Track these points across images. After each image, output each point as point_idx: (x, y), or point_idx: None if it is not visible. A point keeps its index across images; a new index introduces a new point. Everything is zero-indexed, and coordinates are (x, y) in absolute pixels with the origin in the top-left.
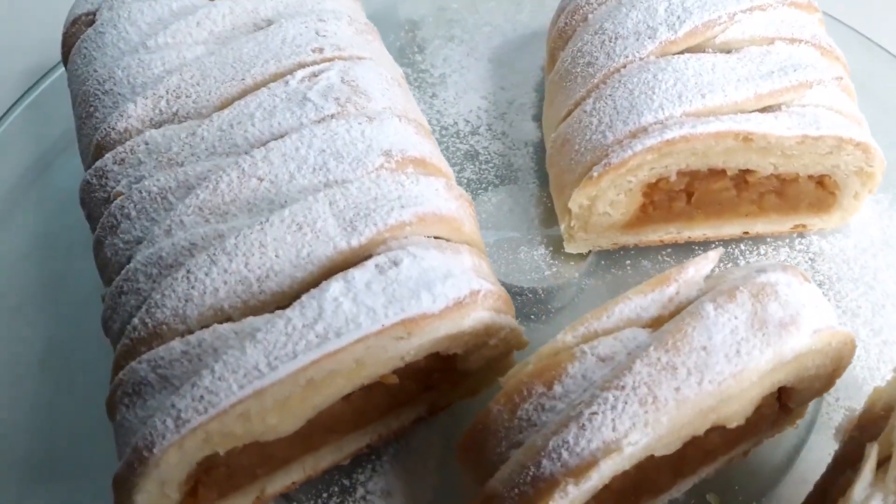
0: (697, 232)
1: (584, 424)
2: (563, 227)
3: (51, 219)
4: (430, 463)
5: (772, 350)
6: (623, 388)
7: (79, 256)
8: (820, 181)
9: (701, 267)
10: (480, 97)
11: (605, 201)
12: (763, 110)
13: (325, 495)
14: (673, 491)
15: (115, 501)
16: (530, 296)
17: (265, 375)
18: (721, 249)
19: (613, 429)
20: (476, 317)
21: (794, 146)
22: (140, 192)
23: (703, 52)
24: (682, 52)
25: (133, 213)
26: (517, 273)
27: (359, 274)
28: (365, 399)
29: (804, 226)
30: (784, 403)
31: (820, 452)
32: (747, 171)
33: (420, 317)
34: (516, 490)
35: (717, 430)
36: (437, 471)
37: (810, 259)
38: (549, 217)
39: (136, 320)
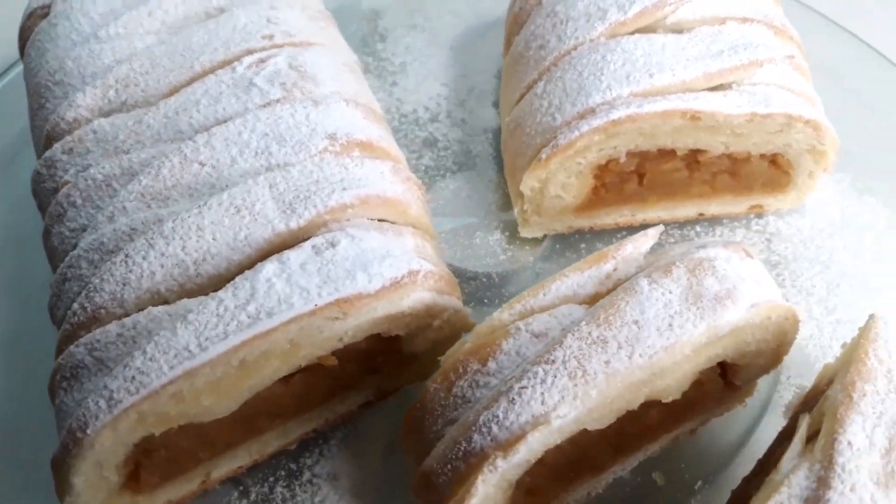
0: (652, 214)
1: (513, 399)
2: (516, 211)
3: (13, 212)
4: (378, 446)
5: (705, 323)
6: (553, 362)
7: (39, 248)
8: (773, 160)
9: (640, 244)
10: (441, 84)
11: (556, 184)
12: (714, 90)
13: (271, 479)
14: (616, 468)
15: (55, 484)
16: (485, 280)
17: (195, 356)
18: (661, 227)
19: (542, 402)
20: (416, 297)
21: (743, 124)
22: (86, 180)
23: (654, 32)
24: (632, 34)
25: (79, 202)
26: (472, 258)
27: (294, 255)
28: (307, 383)
29: (760, 206)
30: (729, 381)
31: (773, 432)
32: (698, 151)
33: (355, 297)
34: (449, 466)
35: (656, 406)
36: (385, 454)
37: (767, 239)
38: (506, 202)
39: (76, 305)
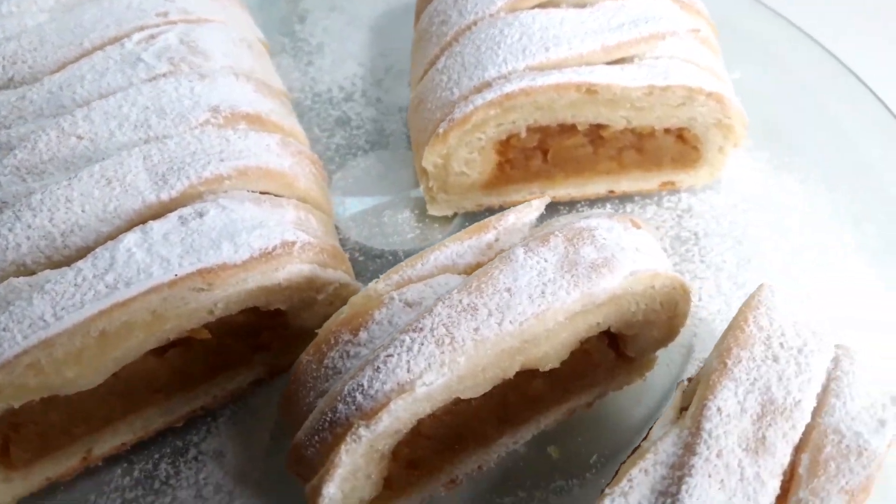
0: (561, 192)
1: (378, 367)
2: (423, 188)
3: None
4: (267, 424)
5: (579, 291)
6: (421, 329)
7: None
8: (679, 135)
9: (523, 215)
10: (358, 64)
11: (458, 160)
12: (614, 63)
13: (156, 456)
14: (506, 441)
15: None
16: (391, 258)
17: (50, 326)
18: (547, 199)
19: (408, 370)
20: (292, 269)
21: (642, 98)
22: None
23: (557, 7)
24: (532, 8)
25: None
26: (380, 236)
27: (158, 225)
28: (184, 358)
29: (672, 183)
30: (622, 353)
31: None
32: (600, 126)
33: (219, 267)
34: (316, 438)
35: (540, 377)
36: (274, 432)
37: (678, 216)
38: (417, 181)
39: None
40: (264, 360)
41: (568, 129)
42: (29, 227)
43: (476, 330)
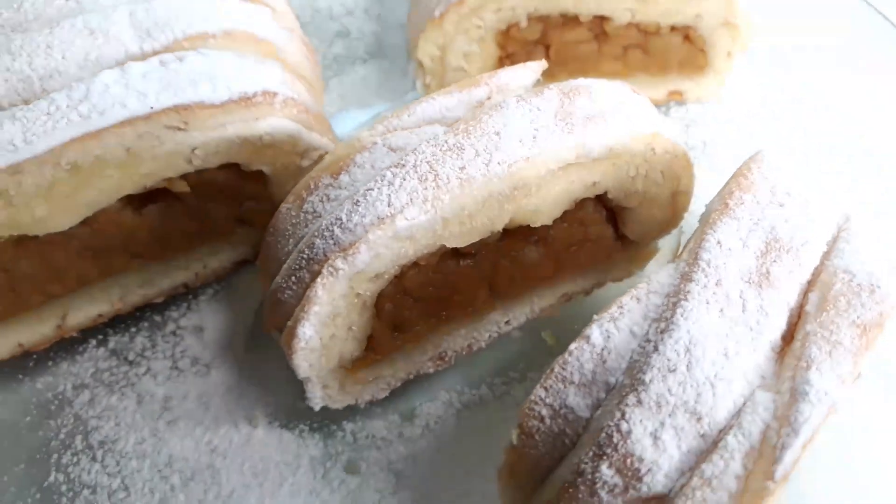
0: None
1: (358, 201)
2: (418, 86)
3: None
4: (250, 303)
5: (573, 139)
6: (404, 166)
7: None
8: (686, 36)
9: (519, 75)
10: None
11: (456, 53)
12: None
13: (133, 330)
14: (499, 319)
15: None
16: None
17: (19, 150)
18: (544, 63)
19: (389, 204)
20: (273, 123)
21: None
22: None
23: None
24: None
25: None
26: None
27: (137, 65)
28: (164, 217)
29: (680, 93)
30: (622, 236)
31: None
32: (604, 20)
33: (197, 105)
34: (293, 278)
35: (533, 246)
36: (257, 311)
37: (686, 126)
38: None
39: None
40: (248, 239)
41: (571, 22)
42: (7, 69)
43: (462, 169)
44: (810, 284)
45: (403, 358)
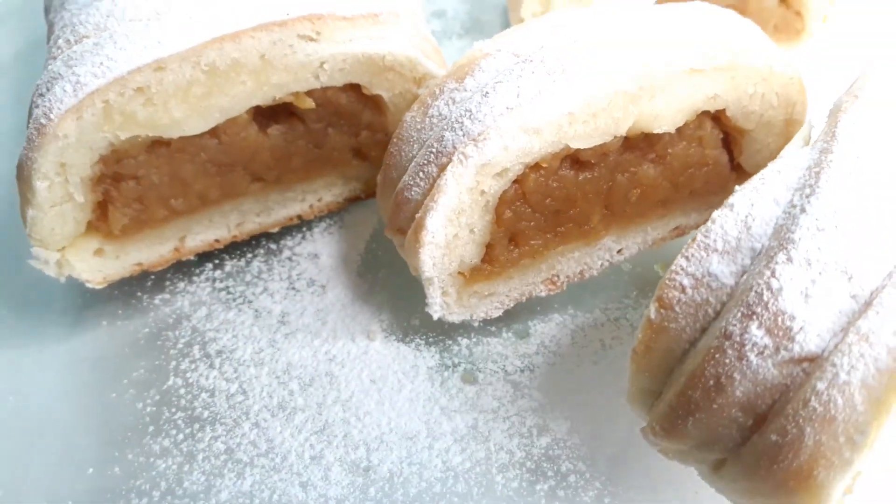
0: None
1: (487, 93)
2: None
3: None
4: (364, 233)
5: (698, 46)
6: (532, 62)
7: None
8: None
9: None
10: None
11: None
12: None
13: (249, 255)
14: (612, 245)
15: (20, 192)
16: None
17: (163, 46)
18: None
19: (518, 95)
20: (397, 44)
21: None
22: None
23: None
24: None
25: None
26: None
27: None
28: (286, 139)
29: None
30: (739, 167)
31: None
32: None
33: (329, 16)
34: (421, 174)
35: (651, 164)
36: (369, 241)
37: None
38: None
39: (60, 40)
40: (362, 174)
41: None
42: None
43: (589, 66)
44: None
45: (519, 276)
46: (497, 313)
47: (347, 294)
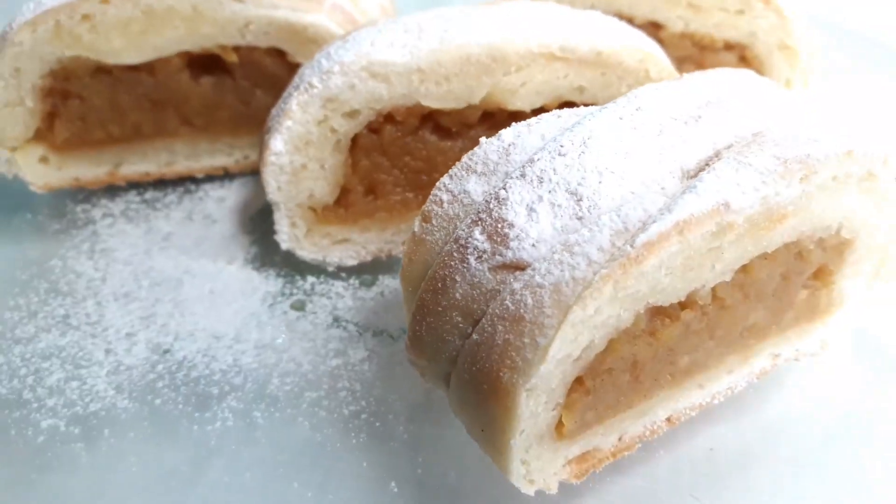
0: None
1: (347, 40)
2: None
3: None
4: None
5: (562, 31)
6: (396, 23)
7: None
8: (742, 56)
9: None
10: None
11: None
12: None
13: (169, 190)
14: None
15: None
16: None
17: None
18: None
19: (371, 44)
20: (319, 20)
21: None
22: None
23: None
24: None
25: None
26: None
27: None
28: (215, 91)
29: None
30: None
31: None
32: (658, 27)
33: None
34: (281, 105)
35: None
36: None
37: None
38: None
39: None
40: None
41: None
42: None
43: (446, 31)
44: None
45: (377, 229)
46: (351, 262)
47: (230, 229)
